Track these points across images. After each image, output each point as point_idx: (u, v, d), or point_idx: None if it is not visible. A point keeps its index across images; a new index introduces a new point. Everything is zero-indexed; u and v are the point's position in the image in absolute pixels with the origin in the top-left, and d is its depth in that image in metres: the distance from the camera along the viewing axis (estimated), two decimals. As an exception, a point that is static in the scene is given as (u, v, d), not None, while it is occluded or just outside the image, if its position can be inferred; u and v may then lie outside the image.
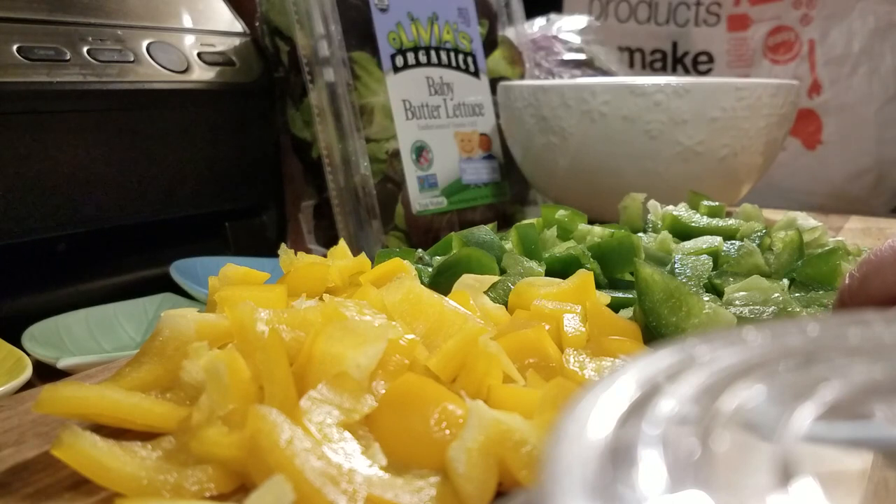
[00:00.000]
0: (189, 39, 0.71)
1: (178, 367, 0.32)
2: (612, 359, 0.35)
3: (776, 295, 0.41)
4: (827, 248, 0.49)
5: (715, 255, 0.50)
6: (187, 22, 0.73)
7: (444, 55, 0.79)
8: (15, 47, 0.58)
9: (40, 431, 0.33)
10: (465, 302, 0.39)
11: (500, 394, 0.31)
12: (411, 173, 0.74)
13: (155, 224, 0.68)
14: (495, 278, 0.44)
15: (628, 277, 0.48)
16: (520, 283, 0.43)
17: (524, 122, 0.74)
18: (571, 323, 0.38)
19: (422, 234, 0.74)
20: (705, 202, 0.61)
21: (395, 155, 0.73)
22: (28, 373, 0.42)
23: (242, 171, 0.74)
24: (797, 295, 0.45)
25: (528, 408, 0.29)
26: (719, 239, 0.51)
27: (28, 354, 0.46)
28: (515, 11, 0.90)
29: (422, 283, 0.43)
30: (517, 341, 0.35)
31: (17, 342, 0.49)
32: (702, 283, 0.45)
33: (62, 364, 0.46)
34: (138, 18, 0.68)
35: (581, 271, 0.43)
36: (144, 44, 0.66)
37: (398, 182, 0.73)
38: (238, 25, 0.77)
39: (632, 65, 1.17)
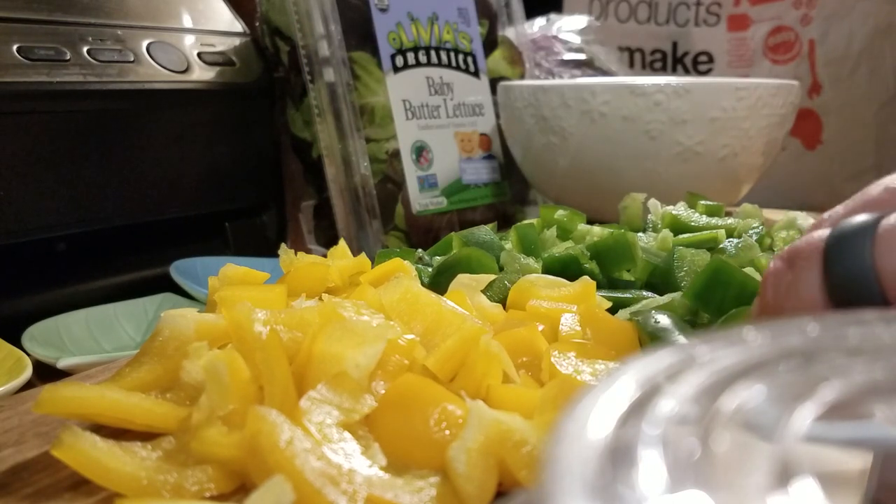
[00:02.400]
0: (189, 39, 0.71)
1: (178, 367, 0.32)
2: (605, 361, 0.35)
3: None
4: None
5: (713, 243, 0.50)
6: (187, 22, 0.73)
7: (444, 55, 0.79)
8: (15, 47, 0.58)
9: (40, 431, 0.33)
10: (462, 301, 0.39)
11: (499, 394, 0.31)
12: (411, 173, 0.74)
13: (155, 224, 0.68)
14: (492, 277, 0.44)
15: (626, 276, 0.48)
16: (521, 280, 0.43)
17: (524, 122, 0.74)
18: (567, 322, 0.38)
19: (422, 234, 0.74)
20: (703, 202, 0.61)
21: (395, 155, 0.73)
22: (28, 373, 0.42)
23: (242, 171, 0.74)
24: None
25: (528, 408, 0.29)
26: (722, 231, 0.52)
27: (28, 354, 0.46)
28: (515, 11, 0.90)
29: (422, 283, 0.43)
30: (510, 340, 0.35)
31: (17, 342, 0.49)
32: None
33: (62, 364, 0.46)
34: (138, 18, 0.68)
35: (584, 279, 0.43)
36: (144, 44, 0.66)
37: (398, 182, 0.73)
38: (238, 25, 0.77)
39: (632, 65, 1.17)
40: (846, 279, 0.24)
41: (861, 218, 0.25)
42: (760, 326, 0.18)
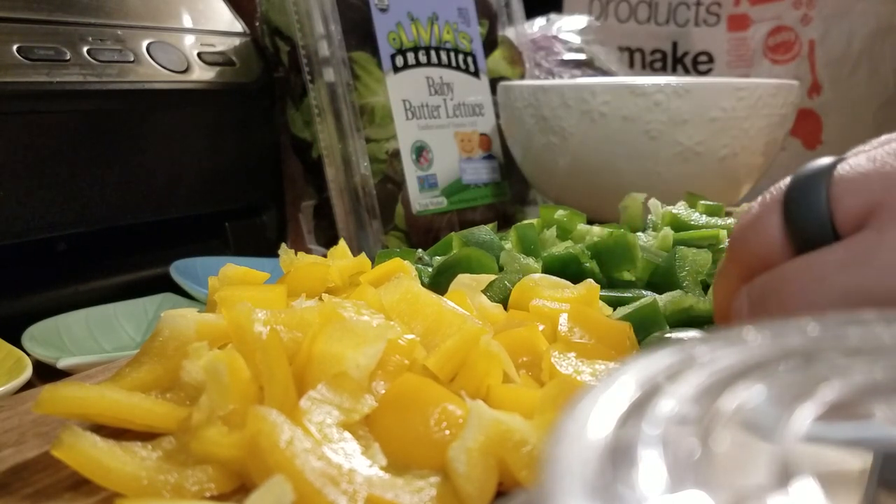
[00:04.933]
0: (189, 39, 0.71)
1: (178, 367, 0.32)
2: (605, 361, 0.35)
3: None
4: None
5: (714, 241, 0.50)
6: (187, 22, 0.73)
7: (444, 55, 0.79)
8: (15, 47, 0.58)
9: (40, 431, 0.33)
10: (463, 301, 0.39)
11: (499, 394, 0.31)
12: (411, 173, 0.74)
13: (155, 224, 0.68)
14: (492, 277, 0.44)
15: (626, 276, 0.48)
16: (524, 280, 0.43)
17: (524, 122, 0.74)
18: (566, 322, 0.38)
19: (422, 234, 0.74)
20: (703, 202, 0.61)
21: (395, 155, 0.73)
22: (28, 373, 0.42)
23: (242, 171, 0.74)
24: None
25: (528, 408, 0.29)
26: (724, 231, 0.52)
27: (28, 354, 0.46)
28: (515, 11, 0.90)
29: (422, 283, 0.43)
30: (510, 340, 0.35)
31: (17, 342, 0.49)
32: (699, 279, 0.45)
33: (62, 364, 0.46)
34: (138, 18, 0.68)
35: (588, 281, 0.43)
36: (144, 44, 0.66)
37: (398, 182, 0.73)
38: (238, 25, 0.77)
39: (632, 65, 1.17)
40: (803, 220, 0.26)
41: (819, 162, 0.27)
42: (760, 326, 0.18)
